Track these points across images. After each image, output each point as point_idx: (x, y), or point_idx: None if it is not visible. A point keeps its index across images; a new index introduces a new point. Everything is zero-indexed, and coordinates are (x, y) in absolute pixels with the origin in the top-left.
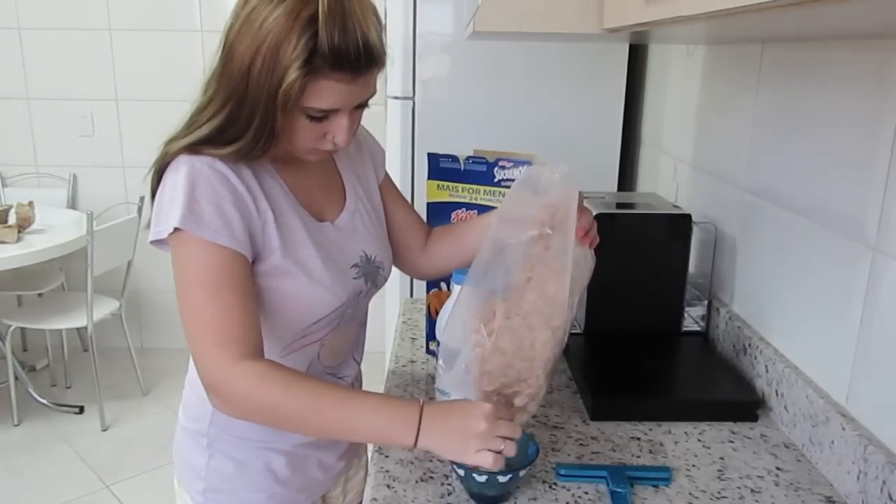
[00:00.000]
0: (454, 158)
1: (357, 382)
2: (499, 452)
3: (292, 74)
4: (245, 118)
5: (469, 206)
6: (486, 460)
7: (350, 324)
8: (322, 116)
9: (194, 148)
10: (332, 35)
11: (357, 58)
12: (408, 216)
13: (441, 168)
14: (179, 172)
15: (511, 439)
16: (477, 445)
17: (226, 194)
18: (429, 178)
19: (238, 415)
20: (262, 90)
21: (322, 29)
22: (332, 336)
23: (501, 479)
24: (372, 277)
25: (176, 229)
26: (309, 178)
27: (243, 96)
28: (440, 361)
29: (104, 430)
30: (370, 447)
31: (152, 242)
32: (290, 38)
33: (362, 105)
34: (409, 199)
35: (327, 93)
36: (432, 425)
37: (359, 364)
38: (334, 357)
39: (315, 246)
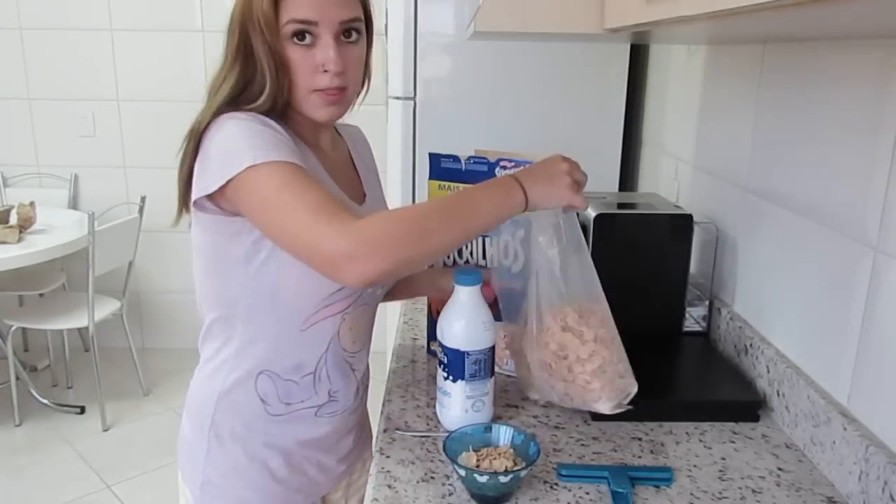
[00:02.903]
0: (455, 158)
1: (365, 378)
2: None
3: None
4: (253, 64)
5: None
6: (580, 200)
7: (366, 308)
8: (309, 42)
9: (229, 107)
10: None
11: None
12: None
13: (442, 168)
14: (227, 125)
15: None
16: (570, 185)
17: (275, 131)
18: (430, 178)
19: (388, 258)
20: (255, 28)
21: None
22: (352, 311)
23: (503, 479)
24: None
25: (248, 168)
26: (335, 167)
27: (245, 44)
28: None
29: (105, 431)
30: (375, 451)
31: (195, 203)
32: None
33: (349, 32)
34: (409, 199)
35: (299, 2)
36: (529, 182)
37: (367, 357)
38: (352, 341)
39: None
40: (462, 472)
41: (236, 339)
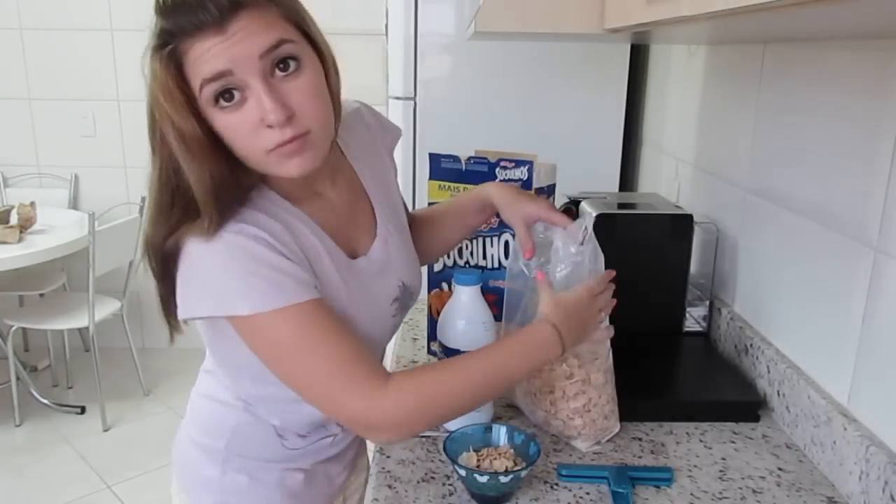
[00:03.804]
0: (455, 159)
1: None
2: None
3: (156, 64)
4: (171, 151)
5: None
6: (604, 336)
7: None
8: (238, 100)
9: (204, 229)
10: (161, 5)
11: (198, 6)
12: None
13: (442, 168)
14: (213, 254)
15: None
16: (598, 324)
17: (271, 255)
18: (430, 178)
19: (411, 432)
20: (162, 111)
21: (155, 10)
22: None
23: (503, 479)
24: (405, 304)
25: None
26: (337, 211)
27: (157, 132)
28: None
29: (106, 431)
30: (370, 450)
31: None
32: (146, 52)
33: (283, 64)
34: (410, 199)
35: (201, 58)
36: (569, 333)
37: None
38: None
39: (348, 292)
40: (462, 473)
41: (246, 394)
